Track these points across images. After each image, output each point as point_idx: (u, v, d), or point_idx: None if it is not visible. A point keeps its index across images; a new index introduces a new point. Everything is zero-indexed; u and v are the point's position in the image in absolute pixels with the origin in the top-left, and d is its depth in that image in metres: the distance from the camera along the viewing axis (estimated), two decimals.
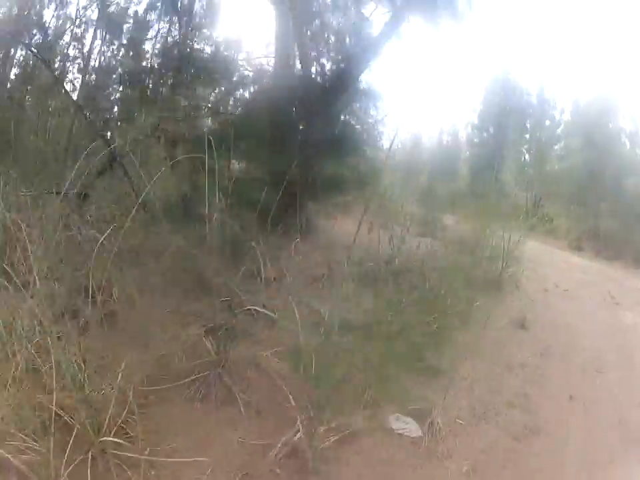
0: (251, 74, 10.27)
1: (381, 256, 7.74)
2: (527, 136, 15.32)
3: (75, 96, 9.42)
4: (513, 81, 14.83)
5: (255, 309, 5.45)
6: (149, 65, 10.04)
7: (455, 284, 7.22)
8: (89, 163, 5.64)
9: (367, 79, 10.16)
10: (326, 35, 9.78)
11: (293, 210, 8.00)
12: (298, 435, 3.62)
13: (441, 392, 4.60)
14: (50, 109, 9.39)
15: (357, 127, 10.95)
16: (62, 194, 5.20)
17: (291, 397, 4.03)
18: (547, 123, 15.10)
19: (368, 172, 9.92)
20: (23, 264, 4.14)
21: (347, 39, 9.78)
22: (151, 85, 10.02)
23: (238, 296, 5.29)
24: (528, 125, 15.27)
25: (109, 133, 9.18)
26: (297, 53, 9.01)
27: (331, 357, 4.21)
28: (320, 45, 9.62)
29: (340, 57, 9.73)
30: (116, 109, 10.37)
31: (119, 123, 9.78)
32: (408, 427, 4.27)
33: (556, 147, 15.17)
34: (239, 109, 9.94)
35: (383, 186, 11.07)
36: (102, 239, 4.15)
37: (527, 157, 15.32)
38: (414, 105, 14.53)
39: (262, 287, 5.78)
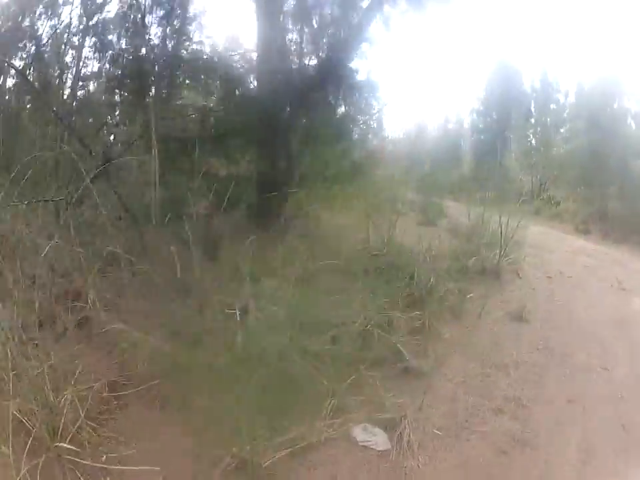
0: (234, 70, 9.54)
1: (371, 247, 7.37)
2: (532, 120, 14.97)
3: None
4: (515, 66, 14.47)
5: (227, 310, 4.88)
6: (137, 67, 9.29)
7: (448, 275, 6.91)
8: (78, 170, 5.59)
9: (364, 68, 9.86)
10: (306, 23, 9.17)
11: (281, 204, 8.05)
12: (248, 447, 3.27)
13: (420, 397, 4.19)
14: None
15: (346, 116, 10.28)
16: (50, 201, 5.33)
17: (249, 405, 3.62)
18: (553, 106, 14.76)
19: (362, 162, 9.58)
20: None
21: (328, 26, 9.12)
22: (140, 87, 9.32)
23: (212, 297, 4.91)
24: (533, 109, 14.90)
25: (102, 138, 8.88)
26: (278, 44, 8.54)
27: (294, 361, 4.03)
28: (300, 34, 9.12)
29: (322, 45, 9.22)
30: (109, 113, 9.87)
31: (105, 129, 9.21)
32: (375, 438, 3.76)
33: (562, 130, 14.75)
34: (223, 106, 9.25)
35: (381, 175, 11.14)
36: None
37: (532, 141, 14.98)
38: (415, 94, 14.70)
39: (241, 287, 5.20)
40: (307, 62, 9.07)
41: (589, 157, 13.10)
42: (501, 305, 6.87)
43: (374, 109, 11.73)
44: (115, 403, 3.71)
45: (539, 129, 14.86)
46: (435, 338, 5.51)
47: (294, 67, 8.82)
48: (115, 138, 8.97)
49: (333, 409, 3.84)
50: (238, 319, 4.68)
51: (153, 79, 9.14)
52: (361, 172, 9.22)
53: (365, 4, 8.74)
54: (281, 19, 8.68)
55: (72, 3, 8.62)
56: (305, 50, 9.08)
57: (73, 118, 8.46)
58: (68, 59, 8.85)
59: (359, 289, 5.73)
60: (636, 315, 7.10)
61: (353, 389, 4.13)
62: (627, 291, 8.19)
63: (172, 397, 3.77)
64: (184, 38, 9.54)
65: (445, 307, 6.25)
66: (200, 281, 5.05)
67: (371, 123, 12.58)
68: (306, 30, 9.08)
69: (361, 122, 11.77)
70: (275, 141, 8.27)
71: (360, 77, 9.82)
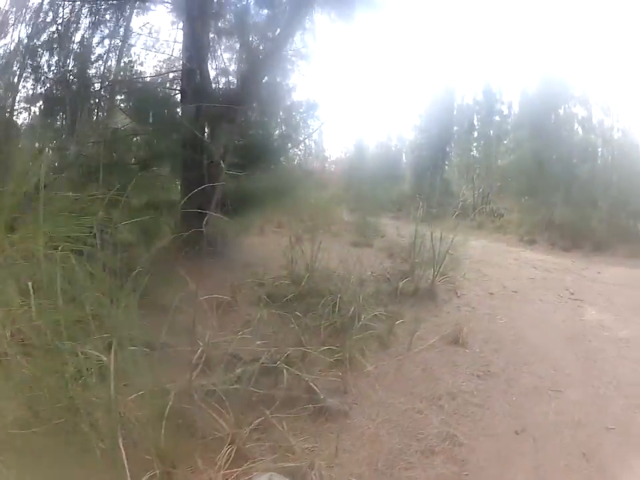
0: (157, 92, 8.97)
1: (295, 273, 6.79)
2: (475, 134, 14.77)
3: None
4: (455, 80, 14.30)
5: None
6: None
7: (376, 299, 6.47)
8: None
9: (299, 87, 10.09)
10: (228, 39, 8.89)
11: (207, 231, 6.75)
12: None
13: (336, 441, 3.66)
14: None
15: (272, 136, 9.74)
16: None
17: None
18: (496, 118, 14.50)
19: (294, 183, 9.11)
20: None
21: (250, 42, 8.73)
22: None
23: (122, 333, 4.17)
24: (476, 123, 14.68)
25: None
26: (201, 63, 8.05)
27: (193, 403, 3.65)
28: (223, 52, 8.75)
29: (242, 61, 8.85)
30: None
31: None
32: None
33: (505, 142, 14.46)
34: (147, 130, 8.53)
35: (316, 196, 10.52)
36: None
37: (475, 154, 14.75)
38: (354, 112, 13.82)
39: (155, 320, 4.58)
40: (229, 81, 8.72)
41: (532, 166, 12.68)
42: (436, 328, 6.14)
43: (309, 128, 11.58)
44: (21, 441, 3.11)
45: (482, 142, 14.62)
46: (357, 372, 4.88)
47: (216, 86, 8.43)
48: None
49: (232, 456, 3.31)
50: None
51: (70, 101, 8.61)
52: (292, 193, 8.70)
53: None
54: (205, 37, 8.22)
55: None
56: (229, 68, 8.79)
57: None
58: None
59: (276, 320, 5.42)
60: (591, 326, 6.50)
61: (259, 433, 3.66)
62: (579, 300, 7.61)
63: (72, 438, 3.23)
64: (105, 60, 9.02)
65: (371, 335, 5.59)
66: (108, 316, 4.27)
67: (308, 142, 12.51)
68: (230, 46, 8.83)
69: (294, 141, 11.50)
70: (199, 165, 7.76)
71: (291, 95, 10.07)
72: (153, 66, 9.39)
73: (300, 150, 12.36)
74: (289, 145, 11.17)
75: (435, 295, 7.15)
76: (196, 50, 7.85)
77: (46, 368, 3.42)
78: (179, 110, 8.39)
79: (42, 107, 8.93)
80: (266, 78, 8.71)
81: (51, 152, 8.03)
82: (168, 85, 8.84)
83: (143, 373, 3.80)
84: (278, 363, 4.40)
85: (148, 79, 9.14)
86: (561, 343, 5.90)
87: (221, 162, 7.41)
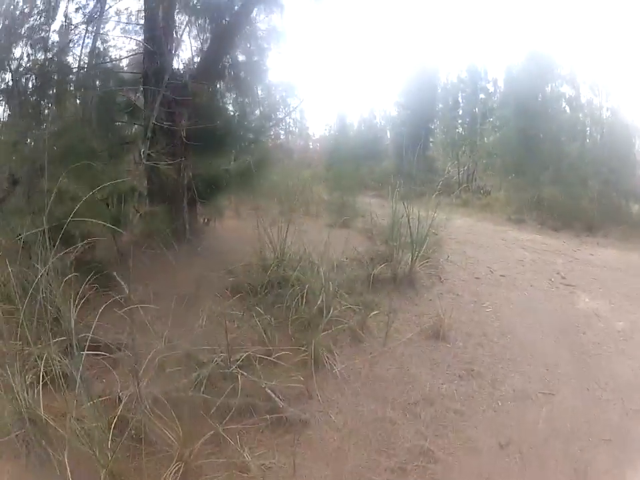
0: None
1: (266, 260, 6.15)
2: (460, 111, 14.19)
3: None
4: (437, 56, 13.63)
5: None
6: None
7: (350, 288, 5.84)
8: None
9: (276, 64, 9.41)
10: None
11: (175, 218, 7.13)
12: None
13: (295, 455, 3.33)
14: None
15: (239, 114, 9.44)
16: None
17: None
18: (482, 96, 13.90)
19: (265, 163, 8.38)
20: None
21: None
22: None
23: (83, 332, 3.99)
24: (460, 100, 14.12)
25: None
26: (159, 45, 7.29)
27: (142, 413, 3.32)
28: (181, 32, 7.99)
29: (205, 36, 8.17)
30: None
31: None
32: None
33: (491, 119, 13.85)
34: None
35: (292, 176, 10.31)
36: None
37: (460, 131, 14.14)
38: (334, 89, 13.17)
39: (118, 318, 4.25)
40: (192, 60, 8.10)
41: (519, 144, 12.17)
42: (415, 319, 5.57)
43: (288, 107, 11.23)
44: None
45: (467, 119, 14.04)
46: (324, 373, 4.38)
47: (179, 67, 7.72)
48: None
49: (180, 474, 3.03)
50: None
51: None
52: (267, 174, 8.30)
53: None
54: (166, 16, 7.52)
55: None
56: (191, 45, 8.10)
57: None
58: None
59: (240, 314, 5.00)
60: (585, 316, 5.93)
61: (212, 447, 3.33)
62: (572, 286, 6.99)
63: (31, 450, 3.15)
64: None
65: (342, 330, 5.05)
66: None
67: (287, 121, 12.26)
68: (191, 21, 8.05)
69: (266, 121, 10.63)
70: (165, 148, 7.05)
71: (266, 74, 9.46)
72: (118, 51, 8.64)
73: (280, 129, 12.07)
74: (263, 124, 10.58)
75: (415, 281, 6.49)
76: (156, 30, 7.21)
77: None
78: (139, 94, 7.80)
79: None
80: (228, 56, 8.12)
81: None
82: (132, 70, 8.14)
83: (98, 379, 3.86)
84: (232, 368, 4.04)
85: (109, 64, 8.30)
86: (553, 336, 5.34)
87: (184, 144, 7.06)
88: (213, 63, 7.74)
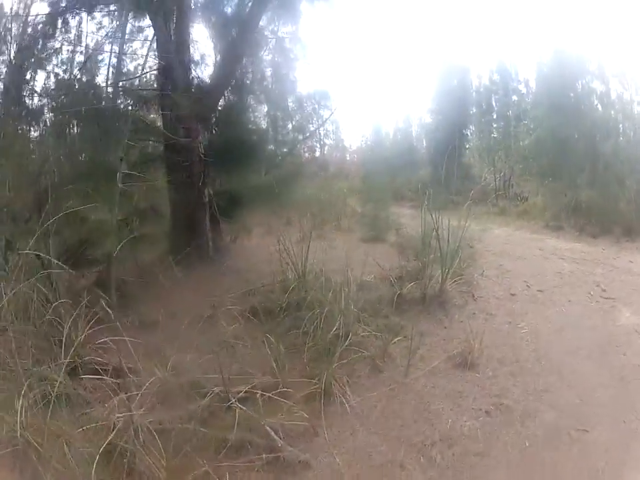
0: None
1: (289, 279, 5.78)
2: (494, 115, 13.54)
3: None
4: (468, 60, 13.13)
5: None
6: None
7: (374, 310, 5.48)
8: None
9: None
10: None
11: (199, 237, 7.03)
12: None
13: None
14: None
15: (269, 127, 9.73)
16: None
17: None
18: (514, 98, 13.28)
19: (293, 177, 8.22)
20: None
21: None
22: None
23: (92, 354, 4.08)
24: (494, 103, 13.42)
25: None
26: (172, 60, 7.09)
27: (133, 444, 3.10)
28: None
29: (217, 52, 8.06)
30: None
31: None
32: None
33: (525, 122, 13.16)
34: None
35: (326, 189, 10.30)
36: None
37: (495, 135, 13.52)
38: (366, 99, 13.16)
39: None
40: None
41: (553, 146, 11.46)
42: (443, 345, 5.04)
43: (319, 118, 10.83)
44: None
45: (502, 123, 13.41)
46: (335, 408, 3.92)
47: (195, 80, 7.45)
48: None
49: None
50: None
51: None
52: (298, 189, 8.06)
53: None
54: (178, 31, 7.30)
55: None
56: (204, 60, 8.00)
57: None
58: None
59: (254, 340, 4.67)
60: (624, 334, 5.29)
61: None
62: (612, 299, 6.33)
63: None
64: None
65: (362, 358, 4.59)
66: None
67: (321, 134, 11.95)
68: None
69: (302, 133, 10.97)
70: (184, 166, 6.93)
71: (294, 85, 9.46)
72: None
73: (314, 142, 11.77)
74: (295, 137, 10.59)
75: (446, 300, 5.97)
76: (169, 45, 6.99)
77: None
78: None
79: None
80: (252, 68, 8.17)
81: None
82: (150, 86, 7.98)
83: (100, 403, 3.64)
84: (232, 401, 3.69)
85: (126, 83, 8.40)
86: (591, 359, 4.75)
87: (202, 160, 6.88)
88: (234, 76, 7.68)
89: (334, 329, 4.62)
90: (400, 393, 4.20)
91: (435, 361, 4.67)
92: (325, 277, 5.67)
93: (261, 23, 7.83)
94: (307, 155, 11.41)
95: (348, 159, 13.32)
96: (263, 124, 9.45)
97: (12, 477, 2.95)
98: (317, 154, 12.09)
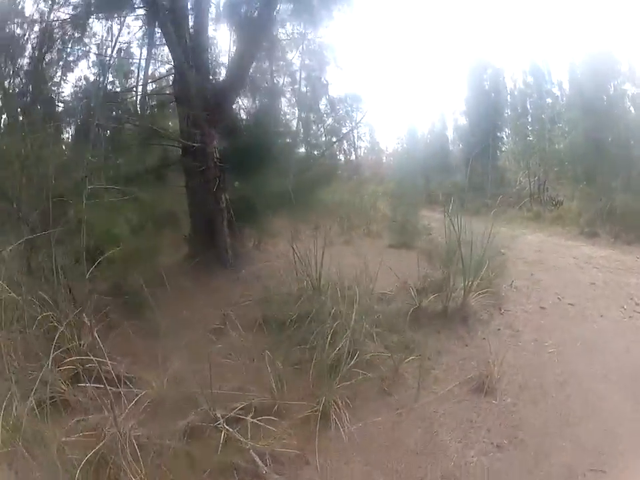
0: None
1: (306, 288, 5.42)
2: (529, 117, 12.87)
3: None
4: (501, 61, 12.74)
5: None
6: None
7: (389, 324, 4.98)
8: None
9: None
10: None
11: (220, 241, 6.81)
12: None
13: None
14: None
15: (289, 131, 9.50)
16: None
17: None
18: (549, 100, 12.64)
19: (323, 181, 7.97)
20: None
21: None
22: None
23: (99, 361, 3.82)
24: (529, 106, 12.79)
25: None
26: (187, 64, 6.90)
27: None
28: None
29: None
30: None
31: None
32: None
33: (560, 124, 12.51)
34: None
35: (357, 192, 10.16)
36: None
37: (530, 138, 12.82)
38: (398, 101, 12.54)
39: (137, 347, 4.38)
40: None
41: (587, 149, 10.86)
42: (461, 365, 4.53)
43: (352, 121, 10.99)
44: None
45: (537, 126, 12.74)
46: (331, 434, 3.50)
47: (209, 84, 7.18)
48: None
49: None
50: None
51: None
52: (327, 193, 7.91)
53: None
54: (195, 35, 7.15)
55: None
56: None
57: None
58: None
59: (261, 351, 4.23)
60: None
61: None
62: None
63: None
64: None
65: (373, 377, 4.11)
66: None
67: (355, 136, 11.87)
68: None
69: (335, 135, 11.02)
70: (201, 171, 6.72)
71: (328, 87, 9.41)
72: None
73: (348, 145, 11.72)
74: (326, 140, 10.67)
75: (469, 315, 5.45)
76: (184, 49, 6.78)
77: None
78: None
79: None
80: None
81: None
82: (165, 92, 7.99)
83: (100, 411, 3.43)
84: (219, 421, 3.42)
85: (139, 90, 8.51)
86: (620, 385, 4.17)
87: (217, 165, 6.64)
88: (248, 79, 7.48)
89: (340, 345, 4.17)
90: (406, 419, 3.75)
91: (450, 384, 4.19)
92: (343, 286, 5.22)
93: (289, 26, 7.71)
94: (340, 158, 11.41)
95: (384, 161, 13.12)
96: (290, 127, 9.43)
97: (10, 473, 2.89)
98: (351, 157, 11.92)
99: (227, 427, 3.33)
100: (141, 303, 4.60)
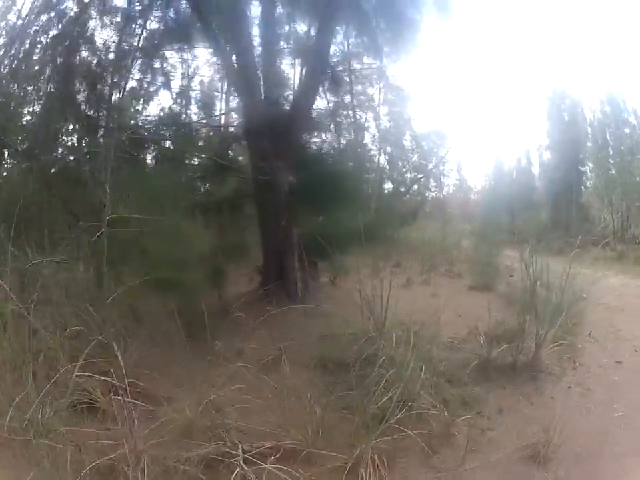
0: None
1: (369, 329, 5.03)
2: (610, 150, 12.12)
3: None
4: (578, 91, 12.15)
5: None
6: None
7: (451, 375, 4.67)
8: None
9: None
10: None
11: (284, 274, 6.86)
12: None
13: None
14: None
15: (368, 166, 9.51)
16: None
17: None
18: (626, 130, 11.83)
19: (406, 218, 8.52)
20: None
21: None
22: None
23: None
24: (609, 137, 12.04)
25: None
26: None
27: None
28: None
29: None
30: None
31: None
32: None
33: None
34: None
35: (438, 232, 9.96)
36: None
37: (612, 171, 12.17)
38: (478, 136, 11.84)
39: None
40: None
41: None
42: (522, 427, 4.00)
43: (437, 157, 10.93)
44: None
45: (618, 158, 12.01)
46: None
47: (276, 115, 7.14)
48: None
49: None
50: None
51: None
52: (408, 231, 8.32)
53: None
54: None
55: None
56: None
57: None
58: None
59: (311, 392, 4.04)
60: None
61: None
62: None
63: None
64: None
65: (420, 433, 3.70)
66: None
67: (441, 173, 11.70)
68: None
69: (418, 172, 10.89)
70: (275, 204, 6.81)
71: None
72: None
73: (435, 182, 11.59)
74: (402, 178, 10.63)
75: (540, 369, 4.99)
76: (250, 84, 6.92)
77: None
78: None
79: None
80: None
81: None
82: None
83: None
84: (236, 458, 3.22)
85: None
86: None
87: (287, 199, 6.68)
88: (311, 112, 7.50)
89: (389, 395, 3.86)
90: None
91: (504, 449, 3.74)
92: (410, 331, 4.85)
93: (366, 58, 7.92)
94: (426, 195, 11.36)
95: (472, 198, 12.75)
96: (373, 162, 9.48)
97: (15, 462, 3.03)
98: (438, 194, 11.77)
99: (242, 465, 3.10)
100: (199, 328, 4.58)
